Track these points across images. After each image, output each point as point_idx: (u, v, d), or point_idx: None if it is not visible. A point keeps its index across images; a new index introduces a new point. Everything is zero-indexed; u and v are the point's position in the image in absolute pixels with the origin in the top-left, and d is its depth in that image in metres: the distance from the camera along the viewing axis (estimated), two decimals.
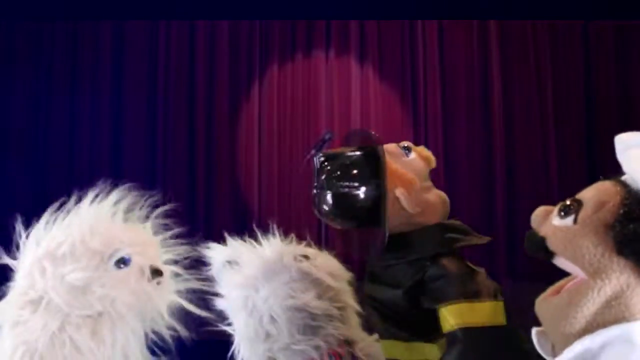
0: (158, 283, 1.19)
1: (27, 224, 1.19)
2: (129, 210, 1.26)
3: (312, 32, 5.73)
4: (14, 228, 1.17)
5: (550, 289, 0.95)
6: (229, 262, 1.49)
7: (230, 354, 1.50)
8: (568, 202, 0.92)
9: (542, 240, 0.93)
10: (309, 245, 1.56)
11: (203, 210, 5.45)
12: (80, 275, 1.12)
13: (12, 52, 5.59)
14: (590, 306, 0.86)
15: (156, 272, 1.19)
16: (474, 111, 5.66)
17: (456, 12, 5.58)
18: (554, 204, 0.94)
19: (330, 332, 1.43)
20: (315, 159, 1.52)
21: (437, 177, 1.76)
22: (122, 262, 1.17)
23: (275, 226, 1.54)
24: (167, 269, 1.23)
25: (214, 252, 1.50)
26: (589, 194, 0.91)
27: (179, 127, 5.63)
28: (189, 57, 5.71)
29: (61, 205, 1.22)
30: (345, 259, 1.59)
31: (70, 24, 5.66)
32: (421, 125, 5.65)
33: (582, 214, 0.89)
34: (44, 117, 5.56)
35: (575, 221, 0.90)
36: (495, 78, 5.68)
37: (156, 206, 1.28)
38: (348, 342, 1.45)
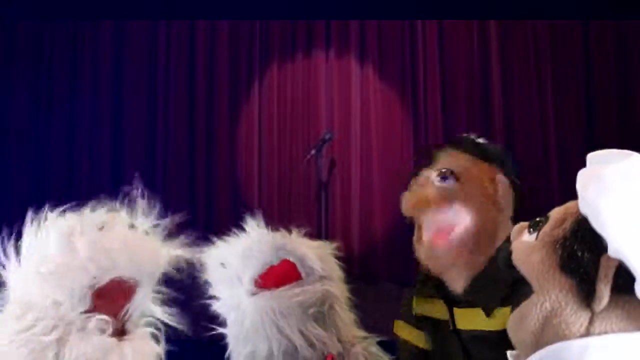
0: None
1: (26, 224, 1.19)
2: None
3: (312, 32, 5.73)
4: (14, 227, 1.17)
5: None
6: (222, 264, 1.47)
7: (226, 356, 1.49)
8: (538, 219, 0.92)
9: (509, 254, 0.93)
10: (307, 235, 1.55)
11: (203, 210, 5.45)
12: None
13: (12, 52, 5.60)
14: (535, 322, 0.84)
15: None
16: (474, 111, 5.65)
17: (456, 12, 5.58)
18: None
19: (319, 348, 1.40)
20: None
21: None
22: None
23: (255, 215, 1.53)
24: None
25: (208, 256, 1.48)
26: (555, 211, 0.91)
27: (179, 127, 5.64)
28: (189, 57, 5.71)
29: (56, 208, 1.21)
30: (346, 256, 1.59)
31: (70, 24, 5.66)
32: (421, 125, 5.65)
33: (543, 230, 0.89)
34: (44, 117, 5.57)
35: (536, 237, 0.90)
36: (495, 78, 5.68)
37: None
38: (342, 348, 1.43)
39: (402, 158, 5.49)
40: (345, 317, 1.48)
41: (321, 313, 1.42)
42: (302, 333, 1.38)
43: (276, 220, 1.56)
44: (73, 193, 5.44)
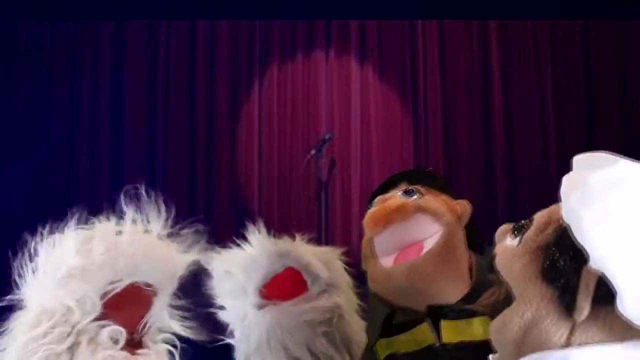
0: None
1: (27, 224, 1.18)
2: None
3: (312, 32, 5.73)
4: (13, 227, 1.17)
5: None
6: (228, 272, 1.44)
7: None
8: (522, 222, 0.90)
9: (492, 259, 0.91)
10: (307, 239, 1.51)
11: (203, 210, 5.44)
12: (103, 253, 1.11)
13: (12, 52, 5.60)
14: (516, 330, 0.83)
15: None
16: (474, 111, 5.66)
17: (456, 12, 5.58)
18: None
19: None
20: None
21: None
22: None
23: (259, 223, 1.49)
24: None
25: (214, 263, 1.43)
26: (539, 215, 0.89)
27: (179, 127, 5.63)
28: (189, 57, 5.71)
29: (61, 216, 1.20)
30: (346, 257, 1.56)
31: (70, 24, 5.66)
32: (421, 125, 5.65)
33: (526, 235, 0.87)
34: (44, 117, 5.56)
35: (519, 242, 0.88)
36: (495, 78, 5.68)
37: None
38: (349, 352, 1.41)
39: (402, 158, 5.49)
40: (355, 325, 1.44)
41: (330, 329, 1.37)
42: (310, 351, 1.34)
43: (276, 220, 1.55)
44: (73, 193, 5.43)
